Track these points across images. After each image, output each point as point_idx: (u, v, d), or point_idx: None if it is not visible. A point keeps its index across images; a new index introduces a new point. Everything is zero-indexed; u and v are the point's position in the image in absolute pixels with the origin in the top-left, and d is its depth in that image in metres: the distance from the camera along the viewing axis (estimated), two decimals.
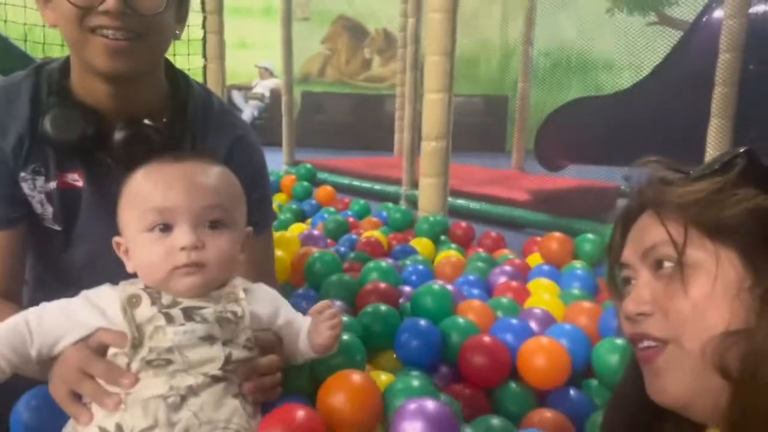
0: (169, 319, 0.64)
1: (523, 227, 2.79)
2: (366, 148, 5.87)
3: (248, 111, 7.61)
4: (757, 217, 0.55)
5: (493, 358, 0.99)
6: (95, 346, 0.65)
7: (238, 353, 0.66)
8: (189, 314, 0.65)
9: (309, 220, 2.15)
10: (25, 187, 0.87)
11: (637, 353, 0.60)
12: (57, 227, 0.90)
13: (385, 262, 1.34)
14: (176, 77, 0.94)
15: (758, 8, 2.89)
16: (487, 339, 1.01)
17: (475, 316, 1.13)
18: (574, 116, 3.52)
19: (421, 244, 1.73)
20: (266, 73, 7.64)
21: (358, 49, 8.27)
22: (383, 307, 1.08)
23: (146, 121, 0.86)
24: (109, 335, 0.65)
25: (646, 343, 0.57)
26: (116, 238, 0.71)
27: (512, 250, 1.79)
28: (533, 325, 1.11)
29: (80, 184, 0.88)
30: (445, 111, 1.92)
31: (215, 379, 0.63)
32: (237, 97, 7.71)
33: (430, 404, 0.69)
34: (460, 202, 2.95)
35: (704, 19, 3.22)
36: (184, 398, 0.61)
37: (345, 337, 0.89)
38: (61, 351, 0.65)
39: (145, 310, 0.65)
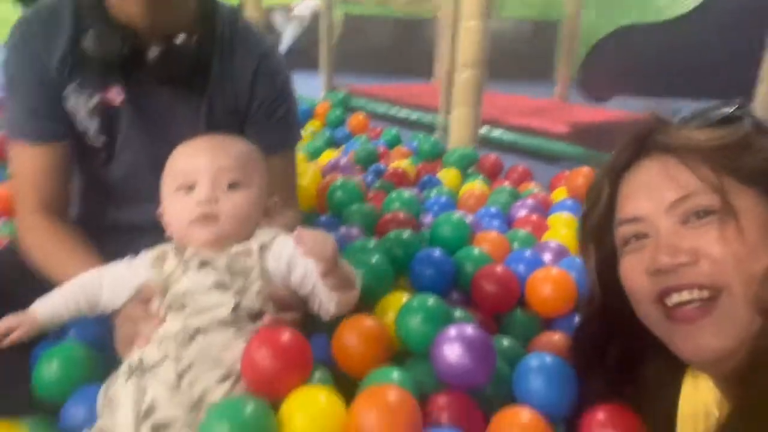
0: (186, 267, 0.73)
1: (559, 160, 2.75)
2: (407, 74, 5.74)
3: (289, 33, 7.50)
4: None
5: (503, 286, 1.03)
6: (142, 299, 0.76)
7: (248, 302, 0.72)
8: (203, 264, 0.73)
9: (341, 148, 2.18)
10: (71, 101, 0.93)
11: (667, 312, 0.58)
12: (99, 142, 0.97)
13: (407, 192, 1.38)
14: None
15: None
16: (498, 268, 1.06)
17: (491, 247, 1.17)
18: (622, 44, 3.34)
19: (448, 176, 1.75)
20: None
21: None
22: (406, 234, 1.13)
23: (178, 39, 0.91)
24: (147, 289, 0.75)
25: (686, 296, 0.56)
26: (159, 209, 0.80)
27: (540, 183, 1.79)
28: (547, 257, 1.14)
29: (119, 100, 0.95)
30: (481, 39, 1.87)
31: (223, 323, 0.70)
32: (278, 18, 7.59)
33: (468, 328, 0.75)
34: (496, 133, 2.91)
35: None
36: (192, 336, 0.68)
37: (373, 259, 0.96)
38: (120, 306, 0.77)
39: (170, 262, 0.74)
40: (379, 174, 1.76)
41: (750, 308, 0.54)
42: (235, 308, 0.71)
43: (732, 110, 0.60)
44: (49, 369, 0.77)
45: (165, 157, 0.80)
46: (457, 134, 2.01)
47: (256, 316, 0.73)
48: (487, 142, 2.87)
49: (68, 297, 0.77)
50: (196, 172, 0.76)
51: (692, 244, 0.56)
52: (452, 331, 0.75)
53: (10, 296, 0.80)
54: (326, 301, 0.75)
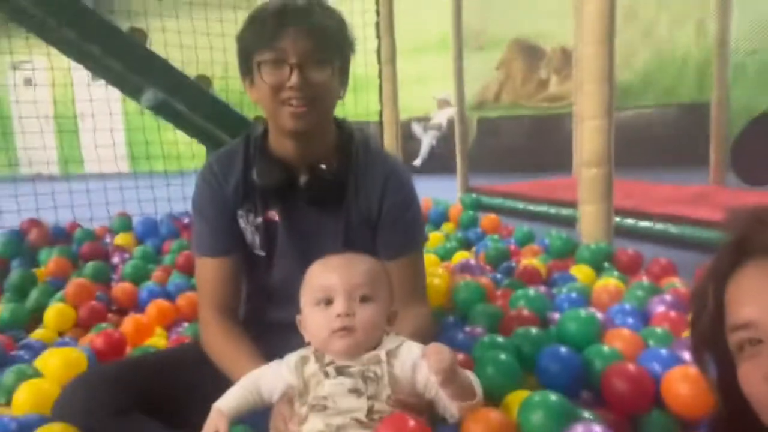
0: (326, 374, 0.85)
1: (712, 251, 2.54)
2: (543, 170, 5.76)
3: (426, 141, 8.01)
4: None
5: (636, 385, 1.00)
6: (287, 399, 0.89)
7: (380, 406, 0.82)
8: (340, 371, 0.85)
9: (473, 249, 2.27)
10: (241, 222, 1.17)
11: None
12: (262, 253, 1.18)
13: (533, 290, 1.41)
14: (342, 128, 1.19)
15: None
16: (630, 365, 1.03)
17: (623, 345, 1.15)
18: None
19: (581, 272, 1.74)
20: (444, 103, 7.97)
21: (534, 70, 8.17)
22: (533, 331, 1.17)
23: (322, 166, 1.12)
24: (290, 391, 0.89)
25: None
26: (298, 316, 0.94)
27: (684, 279, 1.69)
28: (686, 355, 1.09)
29: (278, 218, 1.16)
30: (605, 137, 1.91)
31: (360, 423, 0.80)
32: (416, 128, 8.17)
33: (596, 427, 0.77)
34: (643, 224, 2.79)
35: None
36: None
37: (502, 356, 1.01)
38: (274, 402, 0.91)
39: (311, 367, 0.87)
40: (509, 272, 1.80)
41: None
42: (369, 411, 0.81)
43: None
44: None
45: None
46: (589, 230, 2.00)
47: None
48: (632, 234, 2.76)
49: (245, 392, 0.91)
50: (333, 289, 0.87)
51: None
52: (579, 428, 0.76)
53: (194, 381, 1.00)
54: (449, 406, 0.83)
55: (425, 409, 0.86)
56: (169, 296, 1.88)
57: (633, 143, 5.93)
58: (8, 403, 1.15)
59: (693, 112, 6.18)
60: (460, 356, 1.09)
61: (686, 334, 1.21)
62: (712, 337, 0.66)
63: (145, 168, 3.18)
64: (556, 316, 1.35)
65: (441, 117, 7.96)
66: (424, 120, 8.24)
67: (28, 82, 5.21)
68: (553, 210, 3.55)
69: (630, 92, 6.73)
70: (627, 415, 1.02)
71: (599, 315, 1.27)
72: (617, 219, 2.68)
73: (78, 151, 6.41)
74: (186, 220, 2.68)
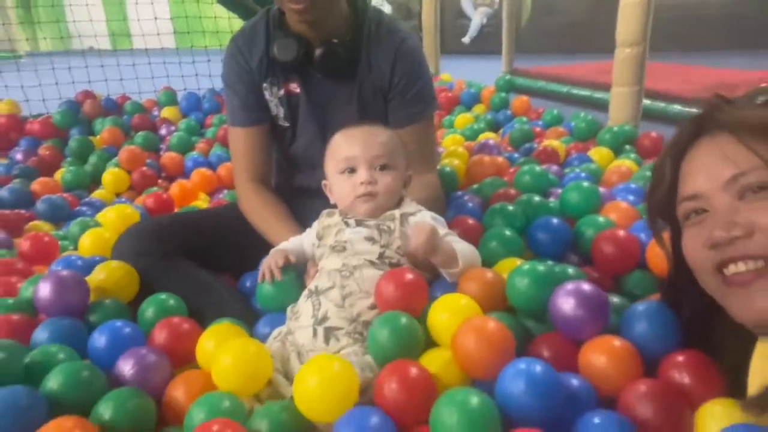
0: (347, 224, 0.99)
1: None
2: (602, 50, 5.43)
3: (477, 18, 7.61)
4: None
5: (623, 248, 1.08)
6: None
7: (390, 253, 0.96)
8: (359, 222, 0.99)
9: (501, 131, 2.30)
10: (266, 94, 1.26)
11: (725, 279, 0.62)
12: (286, 123, 1.29)
13: (538, 167, 1.47)
14: (356, 3, 1.24)
15: None
16: (620, 232, 1.10)
17: (618, 216, 1.22)
18: None
19: (599, 154, 1.77)
20: None
21: None
22: (536, 198, 1.27)
23: (335, 41, 1.19)
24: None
25: (742, 267, 0.60)
26: (323, 181, 1.06)
27: None
28: None
29: (298, 90, 1.25)
30: (643, 14, 1.83)
31: (372, 264, 0.93)
32: (466, 4, 7.74)
33: (583, 284, 0.84)
34: (677, 106, 2.69)
35: None
36: (351, 273, 0.92)
37: (506, 232, 1.12)
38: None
39: (334, 218, 1.01)
40: (528, 153, 1.85)
41: None
42: (380, 256, 0.95)
43: None
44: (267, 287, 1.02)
45: (332, 133, 1.05)
46: (617, 113, 1.99)
47: (395, 265, 0.95)
48: (667, 119, 2.69)
49: (293, 245, 1.07)
50: (356, 158, 0.99)
51: (747, 218, 0.59)
52: (568, 285, 0.85)
53: (229, 232, 1.19)
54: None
55: (429, 266, 0.98)
56: (211, 166, 2.06)
57: (704, 23, 5.48)
58: (76, 248, 1.36)
59: None
60: (471, 221, 1.21)
61: None
62: (665, 207, 0.72)
63: (188, 44, 3.25)
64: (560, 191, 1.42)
65: None
66: None
67: None
68: (590, 93, 3.43)
69: None
70: (612, 274, 1.10)
71: (602, 190, 1.34)
72: (661, 104, 2.60)
73: (125, 24, 6.46)
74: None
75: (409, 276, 0.89)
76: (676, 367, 0.75)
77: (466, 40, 7.60)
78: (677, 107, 2.63)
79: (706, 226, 0.64)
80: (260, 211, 1.23)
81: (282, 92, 1.25)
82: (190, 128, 2.47)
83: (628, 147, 1.85)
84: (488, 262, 1.06)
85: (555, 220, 1.18)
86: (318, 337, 0.88)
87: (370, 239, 0.96)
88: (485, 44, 7.07)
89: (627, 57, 1.91)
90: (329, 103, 1.25)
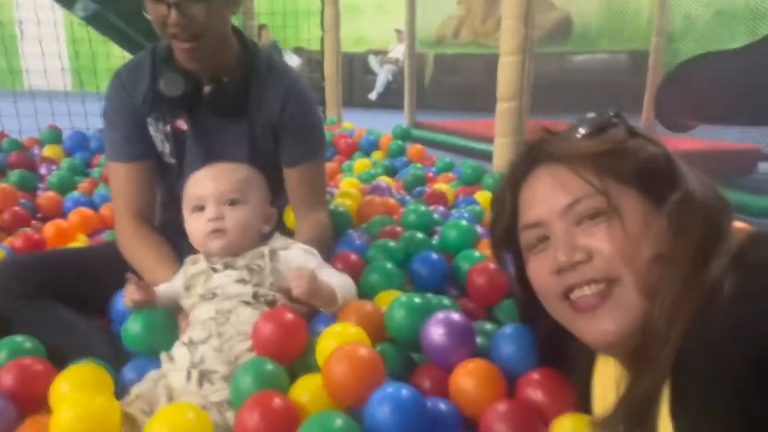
0: (215, 270, 0.97)
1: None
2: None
3: (383, 75, 7.95)
4: (651, 160, 0.66)
5: (493, 280, 1.13)
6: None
7: (263, 291, 0.95)
8: (227, 265, 0.97)
9: (397, 176, 2.39)
10: (151, 129, 1.23)
11: (571, 305, 0.64)
12: (172, 160, 1.26)
13: (424, 207, 1.54)
14: (246, 43, 1.25)
15: None
16: (490, 264, 1.16)
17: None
18: (700, 72, 3.26)
19: (484, 197, 1.88)
20: (405, 37, 7.87)
21: (495, 8, 8.12)
22: (419, 235, 1.32)
23: (225, 79, 1.19)
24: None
25: (587, 291, 0.62)
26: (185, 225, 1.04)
27: None
28: None
29: (185, 127, 1.23)
30: (519, 73, 2.02)
31: (247, 304, 0.92)
32: (372, 61, 8.08)
33: (453, 314, 0.90)
34: None
35: None
36: (227, 318, 0.90)
37: (388, 265, 1.15)
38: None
39: (200, 265, 0.98)
40: (419, 196, 1.93)
41: (639, 294, 0.60)
42: (255, 295, 0.94)
43: (607, 118, 0.69)
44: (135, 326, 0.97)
45: None
46: (499, 161, 2.14)
47: (271, 302, 0.95)
48: None
49: (168, 288, 1.03)
50: (204, 196, 0.99)
51: (586, 244, 0.62)
52: (438, 315, 0.90)
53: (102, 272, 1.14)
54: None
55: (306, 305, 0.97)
56: (94, 206, 1.94)
57: (581, 86, 6.09)
58: None
59: (639, 60, 6.34)
60: (354, 257, 1.22)
61: None
62: (508, 237, 0.75)
63: (78, 85, 3.11)
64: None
65: (398, 51, 7.88)
66: (381, 54, 8.15)
67: None
68: (483, 146, 3.65)
69: (586, 37, 6.81)
70: (485, 303, 1.16)
71: (479, 229, 1.42)
72: None
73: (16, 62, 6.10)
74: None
75: (288, 316, 0.87)
76: (531, 384, 0.80)
77: (372, 95, 7.90)
78: None
79: (549, 253, 0.65)
80: (138, 248, 1.18)
81: (168, 128, 1.23)
82: (73, 167, 2.34)
83: None
84: (369, 294, 1.08)
85: (434, 255, 1.24)
86: (192, 380, 0.84)
87: (241, 281, 0.95)
88: (391, 99, 7.38)
89: (506, 110, 2.08)
90: (218, 140, 1.24)
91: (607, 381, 0.72)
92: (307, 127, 1.25)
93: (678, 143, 3.40)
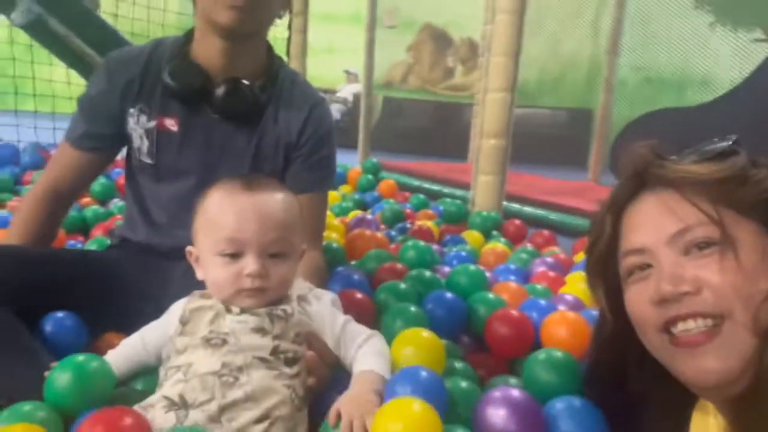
0: (228, 310, 0.75)
1: (584, 235, 2.74)
2: (441, 155, 5.88)
3: (332, 113, 7.93)
4: None
5: (517, 329, 1.02)
6: None
7: (285, 345, 0.74)
8: (245, 309, 0.75)
9: (369, 210, 2.25)
10: (131, 121, 1.07)
11: (672, 339, 0.59)
12: (149, 160, 1.08)
13: (423, 243, 1.41)
14: (273, 54, 1.13)
15: None
16: (512, 311, 1.05)
17: (508, 296, 1.18)
18: (653, 128, 3.40)
19: (471, 237, 1.78)
20: (353, 78, 7.90)
21: (442, 58, 8.35)
22: (427, 274, 1.19)
23: (245, 81, 1.04)
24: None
25: (692, 325, 0.57)
26: (189, 248, 0.81)
27: (564, 249, 1.80)
28: (562, 307, 1.14)
29: (175, 129, 1.06)
30: (506, 110, 1.96)
31: (263, 361, 0.71)
32: None
33: (514, 392, 0.74)
34: (527, 209, 2.93)
35: None
36: (237, 378, 0.69)
37: (411, 309, 1.00)
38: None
39: (212, 300, 0.77)
40: (403, 231, 1.80)
41: (750, 333, 0.55)
42: (274, 351, 0.73)
43: (728, 144, 0.63)
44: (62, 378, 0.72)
45: (215, 182, 0.82)
46: (482, 200, 2.06)
47: (292, 361, 0.74)
48: (514, 215, 2.90)
49: (129, 349, 0.82)
50: (244, 242, 0.74)
51: (694, 274, 0.58)
52: (496, 393, 0.74)
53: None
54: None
55: (330, 362, 0.81)
56: None
57: (525, 139, 6.30)
58: None
59: (578, 117, 6.68)
60: (359, 295, 1.06)
61: (562, 290, 1.27)
62: (605, 263, 0.69)
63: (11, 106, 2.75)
64: (446, 269, 1.36)
65: (347, 91, 7.90)
66: (330, 93, 8.13)
67: None
68: (447, 189, 3.62)
69: (525, 92, 7.11)
70: (506, 357, 1.03)
71: (488, 273, 1.30)
72: (504, 203, 2.82)
73: None
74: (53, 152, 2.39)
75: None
76: None
77: None
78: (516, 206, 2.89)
79: (651, 281, 0.61)
80: (23, 211, 1.10)
81: (152, 125, 1.06)
82: (1, 184, 2.03)
83: (495, 233, 1.89)
84: (388, 337, 0.91)
85: (448, 295, 1.10)
86: None
87: (260, 330, 0.74)
88: (339, 138, 7.30)
89: (492, 147, 2.01)
90: (217, 148, 1.08)
91: None
92: (323, 154, 1.13)
93: None
